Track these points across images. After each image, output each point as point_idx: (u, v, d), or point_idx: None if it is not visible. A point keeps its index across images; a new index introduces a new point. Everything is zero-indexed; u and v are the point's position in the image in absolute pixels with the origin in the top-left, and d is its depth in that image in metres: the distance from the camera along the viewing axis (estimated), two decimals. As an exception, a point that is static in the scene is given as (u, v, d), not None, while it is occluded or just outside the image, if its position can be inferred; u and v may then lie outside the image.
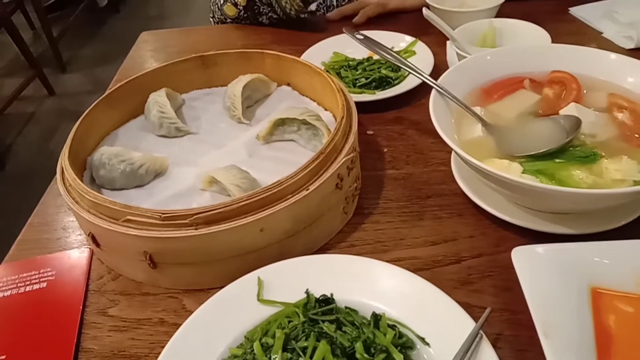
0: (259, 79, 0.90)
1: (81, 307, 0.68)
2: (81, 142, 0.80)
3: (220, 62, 0.93)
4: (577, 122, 0.70)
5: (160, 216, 0.62)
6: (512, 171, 0.66)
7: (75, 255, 0.76)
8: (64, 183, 0.72)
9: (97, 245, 0.71)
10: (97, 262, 0.75)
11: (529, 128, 0.73)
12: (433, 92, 0.75)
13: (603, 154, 0.68)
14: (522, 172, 0.66)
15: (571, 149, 0.69)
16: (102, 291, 0.71)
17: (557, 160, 0.67)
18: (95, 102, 0.84)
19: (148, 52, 1.32)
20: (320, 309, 0.59)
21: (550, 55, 0.81)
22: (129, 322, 0.67)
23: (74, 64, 3.83)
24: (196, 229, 0.62)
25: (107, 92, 0.87)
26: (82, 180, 0.71)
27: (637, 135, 0.70)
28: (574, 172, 0.65)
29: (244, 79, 0.88)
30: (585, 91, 0.77)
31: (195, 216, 0.62)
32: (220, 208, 0.62)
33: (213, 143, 0.84)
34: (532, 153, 0.68)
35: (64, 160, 0.74)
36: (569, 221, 0.68)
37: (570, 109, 0.72)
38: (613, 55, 0.77)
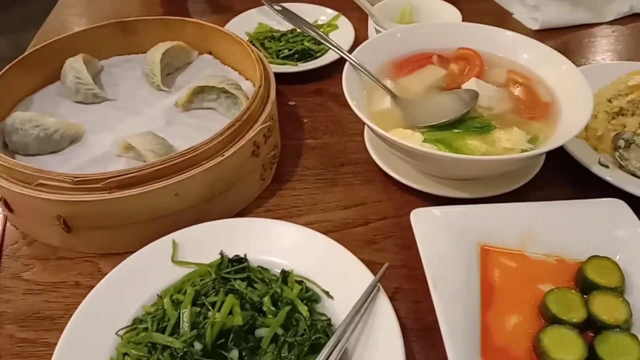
0: (179, 46, 0.90)
1: (-7, 272, 0.68)
2: (-8, 106, 0.79)
3: (141, 28, 0.93)
4: (475, 95, 0.76)
5: (72, 180, 0.63)
6: (414, 140, 0.71)
7: (-13, 221, 0.75)
8: (-27, 148, 0.71)
9: (11, 210, 0.70)
10: (12, 228, 0.75)
11: (433, 101, 0.79)
12: (346, 64, 0.78)
13: (497, 125, 0.74)
14: (423, 141, 0.71)
15: (469, 120, 0.75)
16: (17, 256, 0.71)
17: (455, 131, 0.73)
18: (7, 67, 0.82)
19: (69, 17, 1.27)
20: (233, 268, 0.62)
21: (457, 32, 0.87)
22: (43, 285, 0.67)
23: (-4, 27, 3.60)
24: (109, 193, 0.63)
25: (21, 56, 0.85)
26: (-7, 146, 0.70)
27: (528, 109, 0.77)
28: (469, 142, 0.71)
29: (163, 46, 0.88)
30: (487, 68, 0.84)
31: (108, 180, 0.63)
32: (133, 172, 0.63)
33: (131, 110, 0.84)
34: (433, 124, 0.73)
35: (-27, 125, 0.72)
36: (466, 187, 0.75)
37: (471, 84, 0.78)
38: (509, 33, 0.84)
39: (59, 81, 0.88)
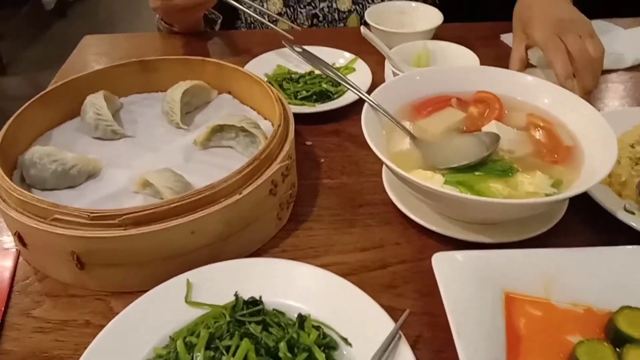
0: (199, 85, 0.91)
1: (3, 308, 0.67)
2: (12, 140, 0.79)
3: (161, 67, 0.94)
4: (496, 138, 0.75)
5: (88, 215, 0.62)
6: (434, 182, 0.70)
7: (1, 255, 0.74)
8: (-9, 181, 0.71)
9: (24, 245, 0.69)
10: (24, 264, 0.73)
11: (453, 143, 0.78)
12: (365, 105, 0.78)
13: (519, 168, 0.73)
14: (444, 183, 0.70)
15: (490, 163, 0.74)
16: (27, 292, 0.70)
17: (476, 173, 0.72)
18: (29, 102, 0.83)
19: (90, 56, 1.30)
20: (248, 311, 0.60)
21: (476, 76, 0.87)
22: (53, 324, 0.66)
23: (14, 67, 3.69)
24: (125, 230, 0.62)
25: (43, 92, 0.86)
26: (11, 180, 0.69)
27: (550, 152, 0.76)
28: (491, 185, 0.70)
29: (183, 85, 0.89)
30: (507, 111, 0.83)
31: (124, 216, 0.62)
32: (150, 209, 0.62)
33: (149, 146, 0.84)
34: (454, 166, 0.72)
35: (-8, 158, 0.72)
36: (487, 231, 0.73)
37: (491, 127, 0.78)
38: (530, 78, 0.84)
39: (79, 117, 0.89)
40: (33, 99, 0.84)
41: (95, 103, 0.86)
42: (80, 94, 0.89)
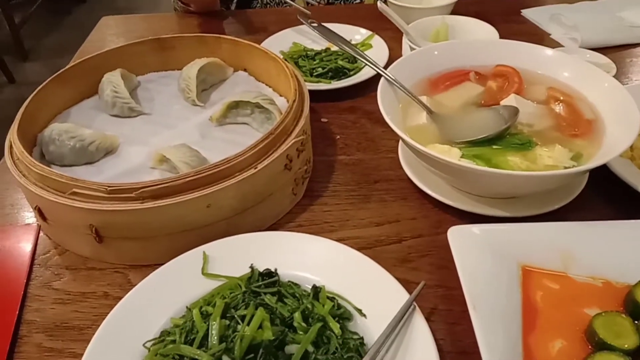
0: (214, 62, 0.91)
1: (25, 281, 0.68)
2: (32, 118, 0.80)
3: (177, 45, 0.94)
4: (515, 112, 0.73)
5: (106, 189, 0.63)
6: (451, 155, 0.69)
7: (22, 230, 0.75)
8: (12, 157, 0.72)
9: (44, 219, 0.70)
10: (44, 238, 0.75)
11: (471, 117, 0.77)
12: (382, 79, 0.78)
13: (538, 142, 0.72)
14: (461, 157, 0.69)
15: (509, 137, 0.72)
16: (48, 265, 0.71)
17: (494, 147, 0.71)
18: (47, 80, 0.84)
19: (108, 37, 1.31)
20: (263, 282, 0.61)
21: (495, 50, 0.85)
22: (73, 295, 0.67)
23: (35, 53, 3.74)
24: (142, 203, 0.63)
25: (61, 70, 0.87)
26: (31, 156, 0.71)
27: (570, 126, 0.74)
28: (509, 158, 0.69)
29: (199, 62, 0.89)
30: (526, 85, 0.81)
31: (141, 190, 0.63)
32: (166, 182, 0.63)
33: (166, 124, 0.85)
34: (471, 139, 0.71)
35: (12, 135, 0.74)
36: (504, 205, 0.72)
37: (510, 100, 0.76)
38: (549, 51, 0.82)
39: (97, 95, 0.90)
40: (51, 77, 0.85)
41: (113, 81, 0.86)
42: (98, 72, 0.90)
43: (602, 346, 0.54)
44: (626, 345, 0.53)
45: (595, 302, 0.60)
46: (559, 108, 0.77)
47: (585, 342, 0.56)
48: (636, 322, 0.56)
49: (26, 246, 0.73)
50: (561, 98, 0.78)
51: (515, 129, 0.74)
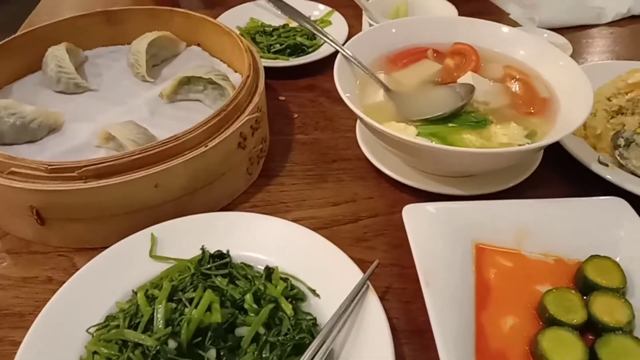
0: (166, 36, 0.87)
1: (-39, 266, 0.65)
2: (-32, 94, 0.75)
3: (127, 19, 0.90)
4: (471, 90, 0.73)
5: (46, 168, 0.59)
6: (407, 133, 0.68)
7: (-42, 213, 0.71)
8: (-56, 135, 0.68)
9: (-19, 201, 0.67)
10: (-17, 221, 0.71)
11: (428, 94, 0.76)
12: (339, 56, 0.76)
13: (493, 120, 0.72)
14: (417, 135, 0.68)
15: (464, 115, 0.72)
16: (-14, 250, 0.67)
17: (450, 125, 0.70)
18: (-15, 54, 0.79)
19: (59, 10, 1.24)
20: (214, 264, 0.59)
21: (452, 27, 0.84)
22: (13, 281, 0.64)
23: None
24: (85, 182, 0.60)
25: (1, 42, 0.81)
26: (-34, 134, 0.66)
27: (525, 104, 0.74)
28: (465, 136, 0.69)
29: (149, 36, 0.85)
30: (483, 63, 0.81)
31: (83, 169, 0.59)
32: (110, 161, 0.60)
33: (113, 100, 0.81)
34: (427, 117, 0.70)
35: (-55, 112, 0.69)
36: (461, 184, 0.72)
37: (467, 78, 0.76)
38: (506, 29, 0.81)
39: (41, 71, 0.85)
40: (-11, 50, 0.80)
41: (57, 55, 0.82)
42: (42, 46, 0.85)
43: (552, 322, 0.55)
44: (575, 321, 0.54)
45: (547, 279, 0.60)
46: (515, 86, 0.77)
47: (537, 318, 0.57)
48: (585, 297, 0.56)
49: (-37, 229, 0.69)
50: (517, 76, 0.78)
51: (472, 106, 0.73)
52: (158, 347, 0.48)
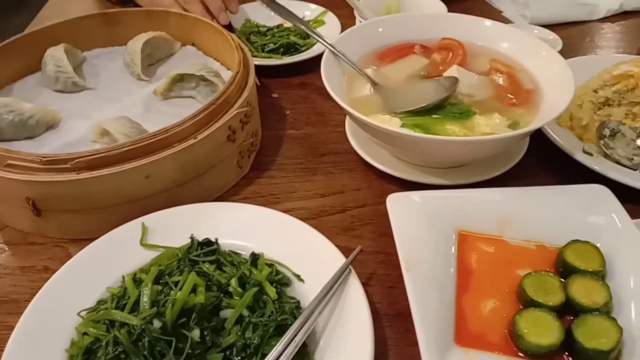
0: (160, 36, 0.90)
1: (-39, 257, 0.67)
2: (-31, 93, 0.78)
3: (123, 20, 0.92)
4: (455, 82, 0.74)
5: (40, 159, 0.62)
6: (392, 124, 0.70)
7: (-41, 207, 0.73)
8: (-55, 131, 0.70)
9: (-19, 194, 0.69)
10: (-17, 215, 0.73)
11: (413, 87, 0.78)
12: (326, 52, 0.78)
13: (477, 111, 0.73)
14: (401, 126, 0.70)
15: (449, 106, 0.73)
16: (-14, 241, 0.70)
17: (434, 116, 0.72)
18: (-14, 55, 0.82)
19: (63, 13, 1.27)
20: (202, 251, 0.61)
21: (440, 23, 0.86)
22: (11, 270, 0.66)
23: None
24: (78, 174, 0.62)
25: (1, 44, 0.84)
26: (-33, 130, 0.69)
27: (510, 96, 0.76)
28: (448, 127, 0.70)
29: (144, 36, 0.87)
30: (470, 57, 0.82)
31: (76, 160, 0.62)
32: (102, 152, 0.62)
33: (109, 98, 0.83)
34: (412, 109, 0.72)
35: (-53, 109, 0.72)
36: (447, 174, 0.73)
37: (452, 71, 0.77)
38: (489, 23, 0.83)
39: (40, 71, 0.88)
40: (-10, 52, 0.82)
41: (56, 55, 0.85)
42: (42, 47, 0.88)
43: (530, 304, 0.56)
44: (552, 302, 0.55)
45: (528, 264, 0.61)
46: (500, 79, 0.79)
47: (516, 301, 0.58)
48: (563, 280, 0.58)
49: (-37, 222, 0.71)
50: (503, 69, 0.79)
51: (456, 99, 0.75)
52: (143, 327, 0.49)
